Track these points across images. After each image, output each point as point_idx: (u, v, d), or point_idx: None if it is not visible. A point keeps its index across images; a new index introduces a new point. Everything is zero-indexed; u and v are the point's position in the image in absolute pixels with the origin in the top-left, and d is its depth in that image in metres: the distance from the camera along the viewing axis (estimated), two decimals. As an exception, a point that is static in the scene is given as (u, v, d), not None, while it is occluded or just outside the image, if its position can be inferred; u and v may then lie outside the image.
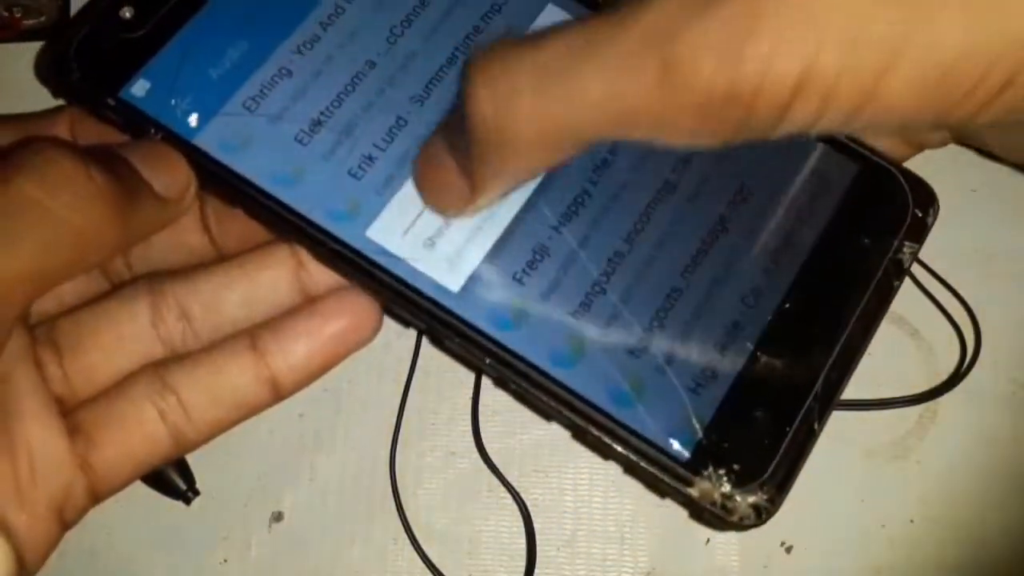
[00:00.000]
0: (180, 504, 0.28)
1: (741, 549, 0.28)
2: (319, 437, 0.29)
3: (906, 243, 0.24)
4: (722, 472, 0.22)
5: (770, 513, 0.22)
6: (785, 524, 0.28)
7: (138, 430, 0.22)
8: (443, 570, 0.28)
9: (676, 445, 0.22)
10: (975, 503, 0.28)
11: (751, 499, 0.22)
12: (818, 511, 0.28)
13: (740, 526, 0.22)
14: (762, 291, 0.24)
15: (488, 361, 0.22)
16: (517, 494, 0.28)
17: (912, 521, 0.28)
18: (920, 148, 0.25)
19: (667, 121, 0.17)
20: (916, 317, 0.28)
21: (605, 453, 0.22)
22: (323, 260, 0.23)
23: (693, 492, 0.22)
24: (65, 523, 0.21)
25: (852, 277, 0.24)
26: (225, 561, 0.28)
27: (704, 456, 0.22)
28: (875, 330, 0.23)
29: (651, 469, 0.22)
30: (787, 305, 0.23)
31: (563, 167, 0.23)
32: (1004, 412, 0.28)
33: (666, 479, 0.22)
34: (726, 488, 0.22)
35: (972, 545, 0.28)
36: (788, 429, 0.22)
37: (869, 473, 0.28)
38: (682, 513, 0.25)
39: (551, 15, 0.25)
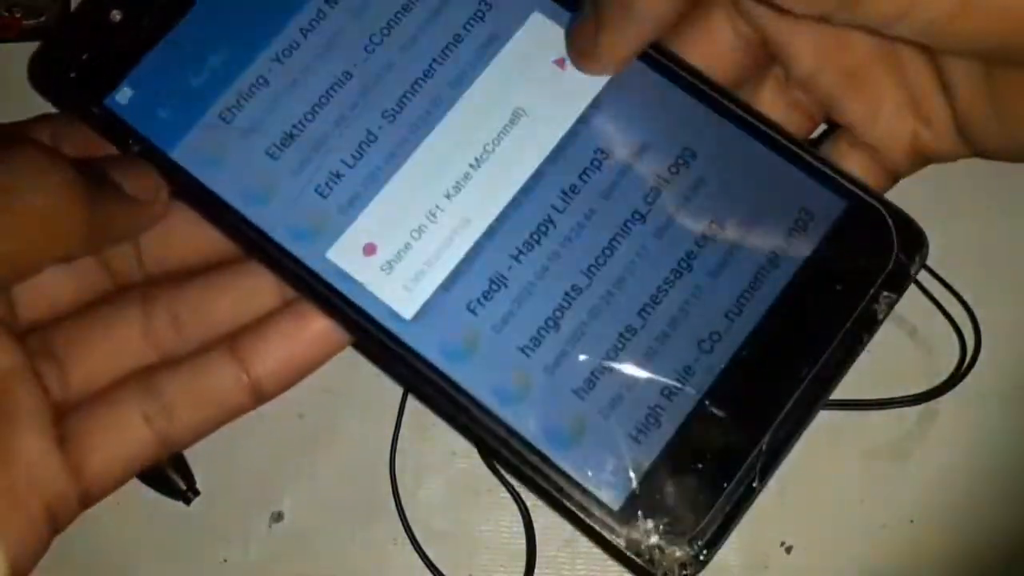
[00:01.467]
0: (180, 504, 0.28)
1: (741, 549, 0.28)
2: (319, 437, 0.29)
3: (884, 293, 0.22)
4: (651, 525, 0.21)
5: (696, 570, 0.21)
6: (785, 524, 0.28)
7: (124, 435, 0.22)
8: (443, 570, 0.28)
9: (608, 493, 0.21)
10: (975, 503, 0.28)
11: (678, 554, 0.21)
12: (818, 511, 0.28)
13: None
14: (720, 336, 0.22)
15: (430, 392, 0.22)
16: (517, 494, 0.28)
17: (912, 521, 0.28)
18: (896, 179, 0.24)
19: None
20: (915, 316, 0.28)
21: (537, 490, 0.22)
22: (283, 278, 0.23)
23: (619, 541, 0.21)
24: (57, 529, 0.21)
25: (817, 328, 0.22)
26: (225, 561, 0.28)
27: (635, 506, 0.21)
28: (835, 386, 0.22)
29: (579, 514, 0.21)
30: (744, 353, 0.22)
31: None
32: (1004, 412, 0.28)
33: (593, 525, 0.21)
34: (653, 540, 0.21)
35: (972, 545, 0.28)
36: (726, 485, 0.21)
37: (869, 473, 0.28)
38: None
39: (536, 23, 0.24)
